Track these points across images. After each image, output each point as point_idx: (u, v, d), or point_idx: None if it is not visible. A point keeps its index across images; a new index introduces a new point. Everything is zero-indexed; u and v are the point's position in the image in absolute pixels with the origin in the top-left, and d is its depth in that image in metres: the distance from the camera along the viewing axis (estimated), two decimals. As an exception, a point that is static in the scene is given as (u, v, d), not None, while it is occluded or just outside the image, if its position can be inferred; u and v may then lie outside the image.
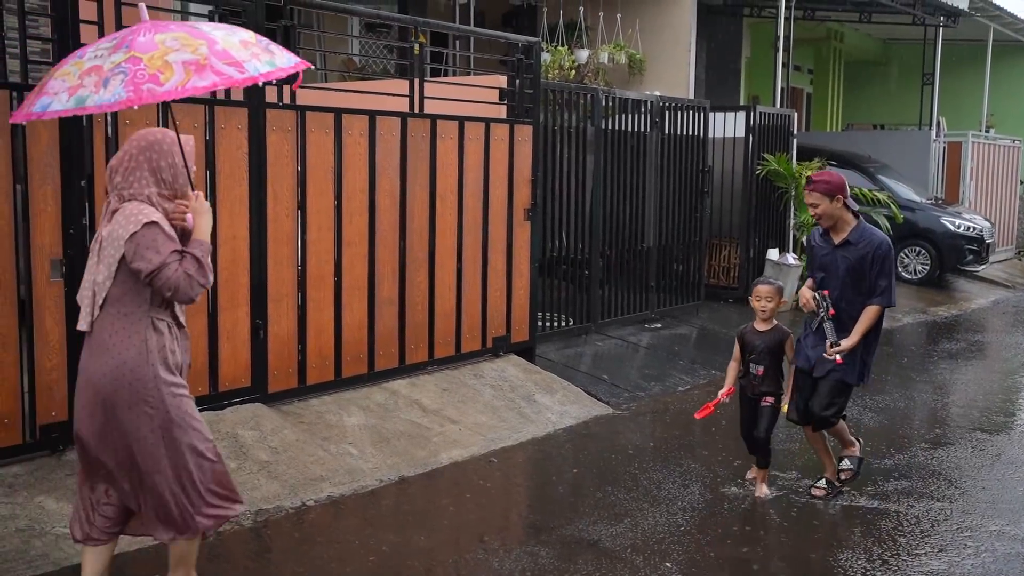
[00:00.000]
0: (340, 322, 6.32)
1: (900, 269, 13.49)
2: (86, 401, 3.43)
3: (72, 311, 4.91)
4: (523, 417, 6.65)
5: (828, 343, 4.98)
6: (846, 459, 5.36)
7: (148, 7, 3.56)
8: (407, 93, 6.79)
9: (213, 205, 5.47)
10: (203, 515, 3.51)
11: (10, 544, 4.15)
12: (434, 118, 6.84)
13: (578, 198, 8.72)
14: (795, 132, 11.98)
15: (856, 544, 4.66)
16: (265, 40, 3.65)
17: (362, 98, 6.81)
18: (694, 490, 5.37)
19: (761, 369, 5.17)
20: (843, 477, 5.33)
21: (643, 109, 9.52)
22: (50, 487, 4.58)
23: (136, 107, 3.20)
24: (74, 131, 4.88)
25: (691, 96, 12.23)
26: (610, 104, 9.09)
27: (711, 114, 10.53)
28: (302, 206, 6.05)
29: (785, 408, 5.20)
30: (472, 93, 7.40)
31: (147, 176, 3.41)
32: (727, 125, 10.96)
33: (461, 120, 7.03)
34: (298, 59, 3.60)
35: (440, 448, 5.89)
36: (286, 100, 5.99)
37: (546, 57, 11.46)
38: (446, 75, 9.09)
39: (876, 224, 11.95)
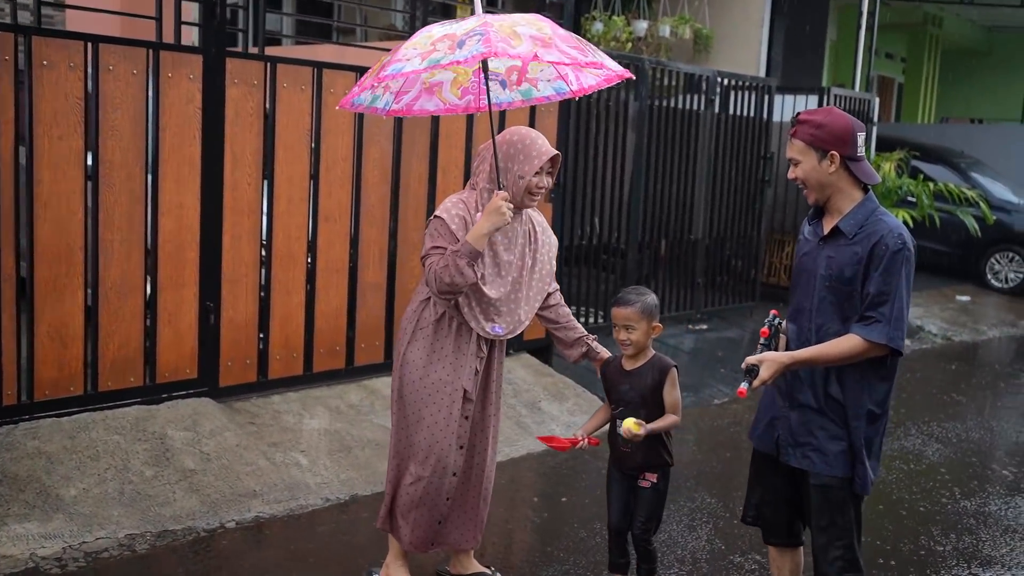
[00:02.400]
0: (313, 309, 5.51)
1: (990, 276, 12.11)
2: None
3: (-33, 282, 4.20)
4: (521, 428, 5.75)
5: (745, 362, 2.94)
6: None
7: None
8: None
9: (155, 167, 4.75)
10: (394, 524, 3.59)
11: None
12: (437, 80, 5.95)
13: (615, 181, 7.75)
14: (875, 119, 10.77)
15: (896, 624, 3.65)
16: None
17: (354, 56, 5.96)
18: (701, 534, 4.40)
19: None
20: None
21: (697, 85, 8.48)
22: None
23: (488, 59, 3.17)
24: (-25, 71, 4.15)
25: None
26: (658, 77, 8.08)
27: (778, 96, 9.42)
28: (269, 174, 5.24)
29: (631, 429, 3.25)
30: (489, 55, 6.50)
31: (487, 170, 3.42)
32: (797, 108, 9.82)
33: (471, 84, 6.13)
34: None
35: (411, 462, 5.02)
36: (253, 50, 5.20)
37: (599, 27, 10.49)
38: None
39: (959, 223, 10.78)
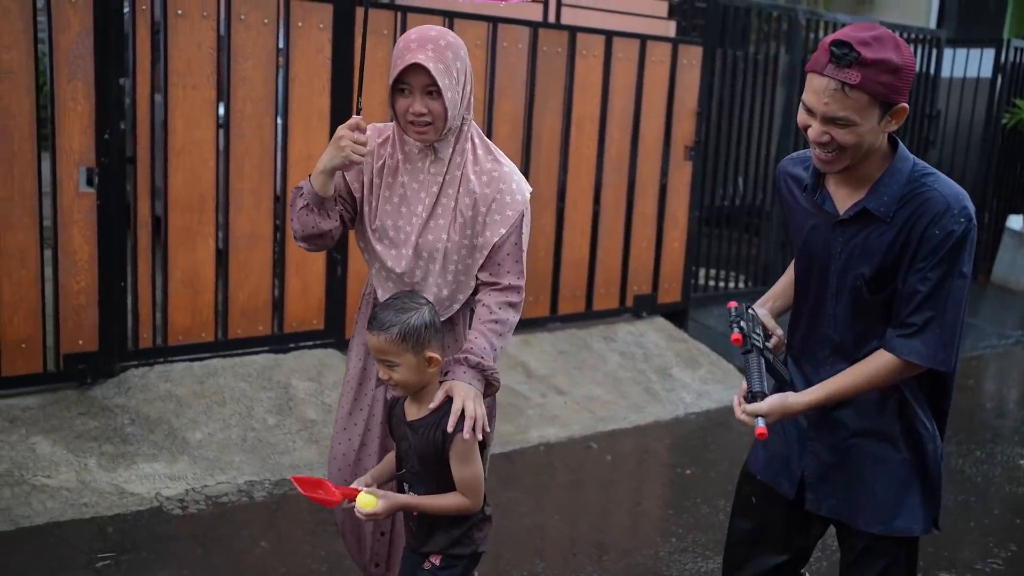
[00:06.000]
0: (440, 264, 5.45)
1: None
2: None
3: (105, 228, 4.32)
4: (649, 394, 5.54)
5: (741, 393, 2.16)
6: None
7: None
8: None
9: (284, 118, 4.76)
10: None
11: (-22, 490, 3.61)
12: (573, 30, 5.74)
13: (762, 139, 7.34)
14: (1061, 74, 9.81)
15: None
16: None
17: (491, 7, 5.80)
18: (835, 518, 4.10)
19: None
20: None
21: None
22: (53, 425, 4.03)
23: None
24: (113, 19, 4.21)
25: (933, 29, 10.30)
26: (811, 28, 7.57)
27: (948, 49, 8.70)
28: (399, 125, 5.18)
29: (362, 509, 2.22)
30: (630, 4, 6.24)
31: None
32: (969, 63, 9.06)
33: (609, 35, 5.89)
34: None
35: (532, 423, 4.92)
36: (385, -1, 5.13)
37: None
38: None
39: None
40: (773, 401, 2.08)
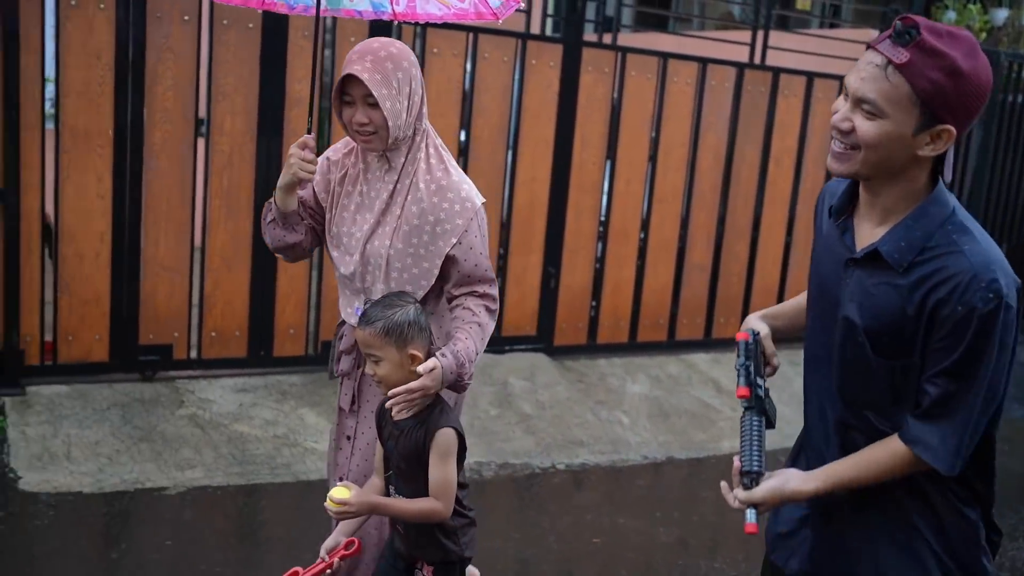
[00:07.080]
0: (641, 282, 5.92)
1: None
2: None
3: (362, 235, 5.00)
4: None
5: (734, 472, 1.84)
6: None
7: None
8: (750, 43, 6.14)
9: (514, 144, 5.34)
10: None
11: (263, 448, 4.31)
12: (776, 71, 6.12)
13: (953, 181, 7.45)
14: None
15: None
16: None
17: (692, 46, 6.26)
18: None
19: None
20: None
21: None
22: (315, 401, 4.72)
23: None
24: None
25: None
26: (1014, 70, 7.64)
27: None
28: (612, 155, 5.70)
29: (334, 497, 2.25)
30: (830, 47, 6.55)
31: None
32: None
33: (810, 76, 6.23)
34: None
35: (724, 434, 5.29)
36: (607, 40, 5.66)
37: (951, 16, 9.99)
38: (811, 25, 8.19)
39: None
40: (770, 488, 1.76)
